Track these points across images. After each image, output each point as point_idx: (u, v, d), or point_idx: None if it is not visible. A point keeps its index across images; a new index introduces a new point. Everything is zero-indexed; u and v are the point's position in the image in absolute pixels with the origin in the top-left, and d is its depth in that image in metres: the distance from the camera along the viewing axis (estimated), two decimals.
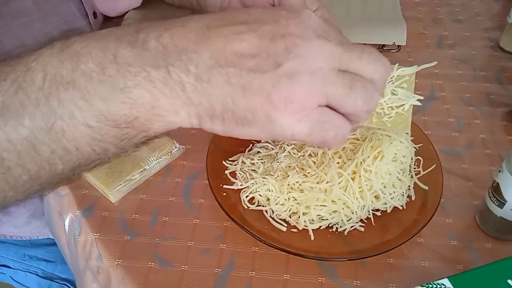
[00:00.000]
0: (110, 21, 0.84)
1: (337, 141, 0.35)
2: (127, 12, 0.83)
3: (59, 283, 0.84)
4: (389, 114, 0.46)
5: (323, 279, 0.51)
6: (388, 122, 0.45)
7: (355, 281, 0.50)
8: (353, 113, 0.35)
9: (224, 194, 0.56)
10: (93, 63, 0.31)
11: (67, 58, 0.32)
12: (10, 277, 0.84)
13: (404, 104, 0.46)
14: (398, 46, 0.80)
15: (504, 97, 0.73)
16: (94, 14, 0.80)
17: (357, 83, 0.34)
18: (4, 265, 0.84)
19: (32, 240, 0.84)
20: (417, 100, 0.46)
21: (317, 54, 0.32)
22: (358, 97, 0.34)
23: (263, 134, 0.34)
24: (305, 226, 0.53)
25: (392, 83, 0.46)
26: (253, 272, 0.51)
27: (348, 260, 0.51)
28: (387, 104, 0.46)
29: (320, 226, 0.53)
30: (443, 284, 0.41)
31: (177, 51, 0.32)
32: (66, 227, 0.59)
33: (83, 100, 0.31)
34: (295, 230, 0.53)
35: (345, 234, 0.53)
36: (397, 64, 0.47)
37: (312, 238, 0.52)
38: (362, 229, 0.53)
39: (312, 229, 0.52)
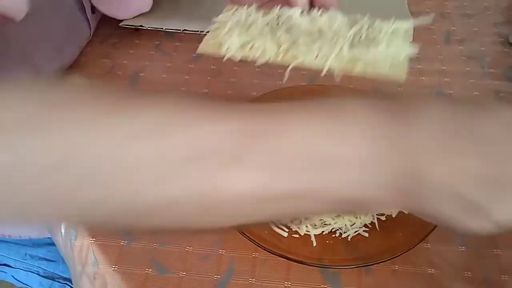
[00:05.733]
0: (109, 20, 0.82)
1: None
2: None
3: (61, 282, 0.84)
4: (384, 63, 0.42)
5: (325, 286, 0.49)
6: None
7: None
8: None
9: None
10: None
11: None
12: (12, 276, 0.83)
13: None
14: None
15: None
16: (93, 9, 0.79)
17: None
18: (5, 264, 0.83)
19: (33, 240, 0.83)
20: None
21: None
22: None
23: None
24: (307, 231, 0.51)
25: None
26: (253, 279, 0.50)
27: (351, 267, 0.49)
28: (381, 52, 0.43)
29: (323, 232, 0.51)
30: None
31: None
32: (62, 231, 0.58)
33: None
34: (297, 236, 0.51)
35: (349, 239, 0.51)
36: (393, 17, 0.44)
37: (314, 244, 0.50)
38: (366, 234, 0.51)
39: (314, 235, 0.51)
